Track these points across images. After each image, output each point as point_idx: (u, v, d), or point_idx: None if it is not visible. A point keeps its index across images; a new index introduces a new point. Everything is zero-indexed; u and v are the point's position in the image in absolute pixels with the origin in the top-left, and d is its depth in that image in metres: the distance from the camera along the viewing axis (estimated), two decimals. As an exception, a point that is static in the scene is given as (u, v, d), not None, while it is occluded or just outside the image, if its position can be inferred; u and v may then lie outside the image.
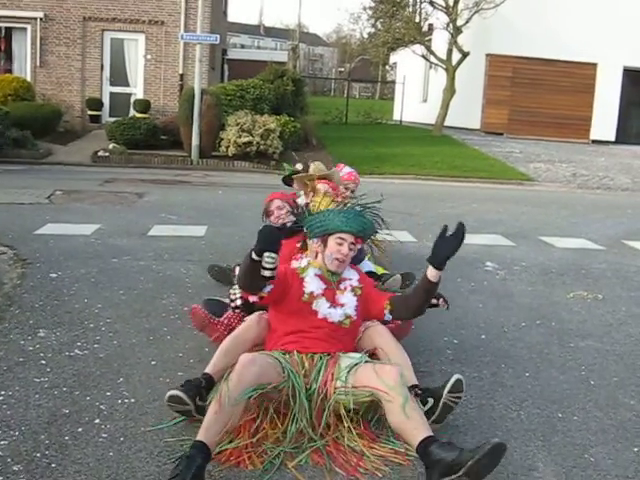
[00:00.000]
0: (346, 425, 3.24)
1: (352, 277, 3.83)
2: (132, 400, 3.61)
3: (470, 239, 8.25)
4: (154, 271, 6.25)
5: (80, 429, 3.27)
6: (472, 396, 3.88)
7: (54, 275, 5.91)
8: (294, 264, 3.89)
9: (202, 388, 3.41)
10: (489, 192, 14.30)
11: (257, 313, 3.87)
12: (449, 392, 3.34)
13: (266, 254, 3.25)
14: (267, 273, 3.30)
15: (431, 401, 3.37)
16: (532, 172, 17.53)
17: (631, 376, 4.38)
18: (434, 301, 4.01)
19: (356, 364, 3.33)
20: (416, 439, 2.97)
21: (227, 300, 4.44)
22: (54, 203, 9.87)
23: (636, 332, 5.28)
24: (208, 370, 3.54)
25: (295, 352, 3.45)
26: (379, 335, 3.74)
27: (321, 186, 5.38)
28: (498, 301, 5.92)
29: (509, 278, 6.74)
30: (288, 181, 5.97)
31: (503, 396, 3.93)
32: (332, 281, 3.73)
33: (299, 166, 6.05)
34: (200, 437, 2.94)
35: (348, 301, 3.70)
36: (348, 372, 3.30)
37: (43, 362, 4.05)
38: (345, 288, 3.74)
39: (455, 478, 2.82)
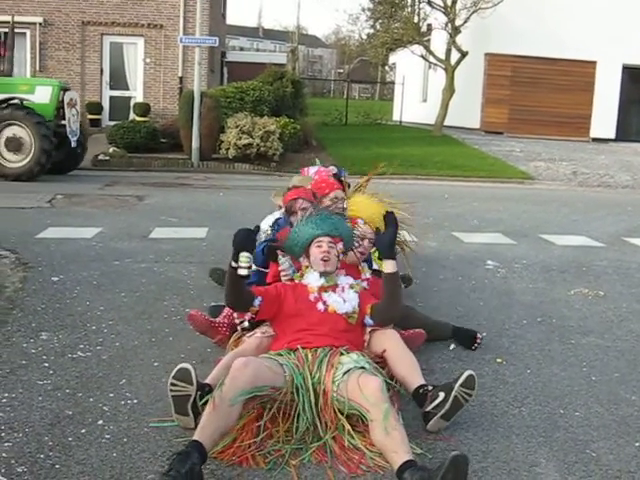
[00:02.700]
0: (346, 427, 3.24)
1: (348, 280, 3.92)
2: (135, 401, 3.62)
3: (471, 238, 8.39)
4: (156, 273, 6.26)
5: (83, 430, 3.28)
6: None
7: (56, 278, 5.93)
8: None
9: (205, 391, 3.38)
10: (490, 191, 14.31)
11: (257, 336, 3.87)
12: (461, 386, 3.34)
13: (242, 254, 3.41)
14: (243, 272, 3.43)
15: (442, 395, 3.36)
16: (532, 171, 17.53)
17: (632, 372, 4.39)
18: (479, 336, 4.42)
19: (349, 370, 3.30)
20: (395, 463, 2.92)
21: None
22: (55, 207, 9.89)
23: (637, 328, 5.29)
24: (208, 381, 3.52)
25: (299, 347, 3.48)
26: (387, 338, 3.75)
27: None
28: (499, 299, 5.93)
29: (510, 276, 6.75)
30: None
31: (505, 393, 3.94)
32: (335, 283, 3.83)
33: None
34: (195, 436, 2.96)
35: (351, 298, 3.76)
36: (342, 377, 3.28)
37: (46, 365, 4.07)
38: (343, 288, 3.81)
39: None
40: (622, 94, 25.23)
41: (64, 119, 13.19)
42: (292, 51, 46.15)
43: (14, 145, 12.67)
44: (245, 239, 3.43)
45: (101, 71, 20.25)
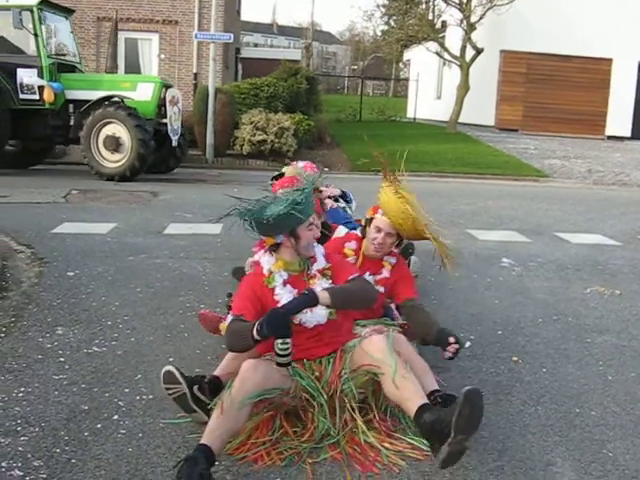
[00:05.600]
0: (359, 422, 3.22)
1: (318, 255, 3.54)
2: (150, 396, 3.63)
3: (486, 235, 8.36)
4: (170, 269, 6.27)
5: (99, 425, 3.29)
6: (489, 392, 3.87)
7: (71, 273, 5.95)
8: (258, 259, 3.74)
9: (204, 382, 3.39)
10: (504, 189, 14.25)
11: None
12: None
13: (279, 340, 2.95)
14: (282, 360, 2.98)
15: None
16: (547, 168, 17.46)
17: (649, 371, 4.37)
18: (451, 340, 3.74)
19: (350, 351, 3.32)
20: (411, 410, 2.97)
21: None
22: (70, 202, 9.93)
23: (654, 327, 5.25)
24: (217, 373, 3.51)
25: (304, 360, 3.34)
26: (397, 343, 3.51)
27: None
28: (514, 297, 5.91)
29: (525, 274, 6.72)
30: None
31: (520, 392, 3.93)
32: (303, 269, 3.48)
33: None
34: (203, 440, 2.92)
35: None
36: (346, 361, 3.30)
37: (62, 359, 4.09)
38: (315, 275, 3.45)
39: (453, 440, 2.77)
40: (638, 92, 25.08)
41: (165, 117, 13.07)
42: (306, 47, 45.94)
43: (113, 144, 12.52)
44: (281, 323, 2.98)
45: (116, 67, 20.24)
